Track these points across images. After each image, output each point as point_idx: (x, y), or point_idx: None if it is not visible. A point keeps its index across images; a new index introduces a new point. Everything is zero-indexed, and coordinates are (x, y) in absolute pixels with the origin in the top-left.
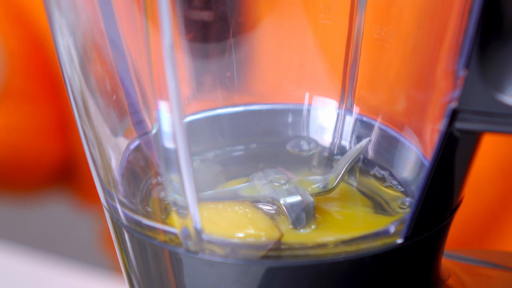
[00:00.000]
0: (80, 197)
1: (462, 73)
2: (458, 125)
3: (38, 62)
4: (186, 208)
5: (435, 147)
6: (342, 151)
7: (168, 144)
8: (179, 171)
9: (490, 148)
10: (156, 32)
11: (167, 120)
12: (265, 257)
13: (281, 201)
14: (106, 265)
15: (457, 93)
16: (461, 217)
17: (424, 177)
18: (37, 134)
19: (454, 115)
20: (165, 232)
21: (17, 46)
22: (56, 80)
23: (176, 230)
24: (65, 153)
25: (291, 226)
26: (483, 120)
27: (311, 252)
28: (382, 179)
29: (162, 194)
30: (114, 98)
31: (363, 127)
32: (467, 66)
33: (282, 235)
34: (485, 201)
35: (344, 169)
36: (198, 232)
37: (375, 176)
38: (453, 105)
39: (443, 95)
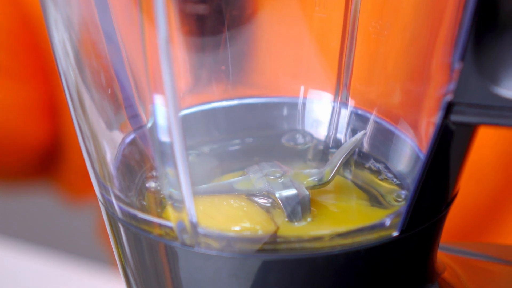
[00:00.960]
0: (68, 184)
1: (457, 65)
2: (454, 117)
3: (25, 40)
4: (181, 201)
5: (431, 140)
6: (338, 144)
7: (164, 137)
8: (174, 165)
9: (490, 140)
10: (151, 26)
11: (162, 114)
12: (260, 250)
13: (277, 194)
14: (100, 257)
15: (452, 86)
16: (461, 209)
17: (419, 170)
18: (23, 113)
19: (449, 108)
20: (160, 225)
21: (3, 22)
22: (45, 60)
23: (171, 223)
24: (53, 135)
25: (286, 219)
26: (479, 113)
27: (307, 245)
28: (377, 172)
29: (158, 188)
30: (109, 92)
31: (358, 120)
32: (463, 58)
33: (277, 228)
34: (485, 192)
35: (339, 162)
36: (194, 226)
37: (370, 169)
38: (449, 98)
39: (439, 88)
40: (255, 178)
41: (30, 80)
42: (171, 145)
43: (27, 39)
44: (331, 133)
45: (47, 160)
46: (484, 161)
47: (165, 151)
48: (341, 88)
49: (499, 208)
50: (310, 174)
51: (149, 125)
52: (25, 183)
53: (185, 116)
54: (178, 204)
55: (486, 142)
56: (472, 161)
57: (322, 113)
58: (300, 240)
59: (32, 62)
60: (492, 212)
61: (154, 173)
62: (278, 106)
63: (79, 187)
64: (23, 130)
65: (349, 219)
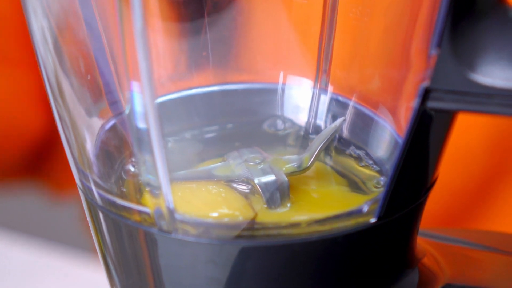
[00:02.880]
0: (57, 179)
1: (434, 52)
2: (431, 104)
3: (18, 24)
4: (158, 188)
5: (408, 126)
6: (317, 130)
7: (140, 124)
8: (151, 151)
9: (476, 124)
10: (129, 12)
11: (139, 101)
12: (238, 236)
13: (255, 181)
14: (82, 245)
15: (429, 72)
16: (447, 194)
17: (397, 156)
18: (18, 100)
19: (426, 94)
20: (139, 212)
21: None
22: None
23: (149, 210)
24: (47, 127)
25: (265, 206)
26: (456, 99)
27: (285, 231)
28: (357, 158)
29: (136, 174)
30: (89, 78)
31: (338, 106)
32: (439, 45)
33: (256, 214)
34: (471, 177)
35: (318, 148)
36: (171, 212)
37: (350, 155)
38: (426, 84)
39: (417, 74)
40: (235, 164)
41: (25, 65)
42: (147, 131)
43: (21, 25)
44: (311, 119)
45: (41, 153)
46: (470, 146)
47: (142, 138)
48: (321, 74)
49: (485, 193)
50: (290, 160)
51: (126, 111)
52: (15, 178)
53: (165, 102)
54: (156, 190)
55: (473, 127)
56: (458, 146)
57: (302, 99)
58: (278, 226)
59: (28, 48)
60: (479, 197)
61: (133, 160)
62: (258, 92)
63: (69, 182)
64: (19, 115)
65: (327, 205)
